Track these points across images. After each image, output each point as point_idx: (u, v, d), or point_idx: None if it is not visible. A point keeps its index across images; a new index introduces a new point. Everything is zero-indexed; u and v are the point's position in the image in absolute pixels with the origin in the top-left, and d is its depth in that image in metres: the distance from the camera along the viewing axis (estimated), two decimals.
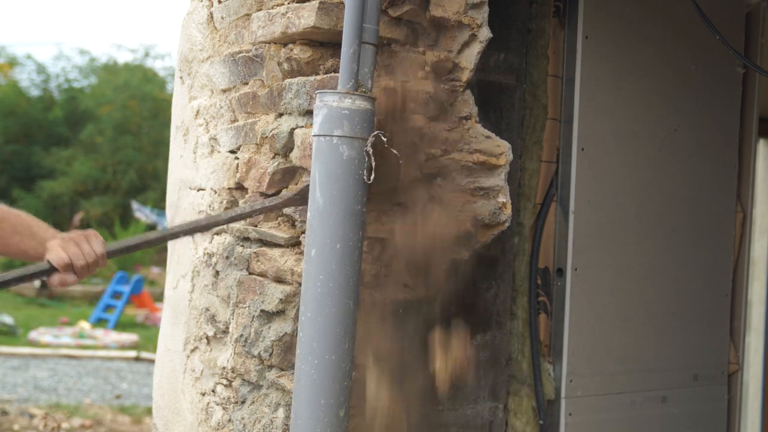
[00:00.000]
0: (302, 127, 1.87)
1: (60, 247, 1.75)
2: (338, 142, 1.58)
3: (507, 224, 1.82)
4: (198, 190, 2.30)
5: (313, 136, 1.61)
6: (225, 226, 2.13)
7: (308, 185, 1.82)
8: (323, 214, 1.58)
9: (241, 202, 2.08)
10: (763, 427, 3.95)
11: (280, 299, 1.85)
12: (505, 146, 1.80)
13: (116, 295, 13.41)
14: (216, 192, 2.19)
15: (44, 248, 1.80)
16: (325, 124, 1.59)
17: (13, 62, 23.11)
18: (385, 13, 1.77)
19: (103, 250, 1.80)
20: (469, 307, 2.09)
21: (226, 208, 2.14)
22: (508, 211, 1.80)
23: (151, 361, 9.35)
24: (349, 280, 1.59)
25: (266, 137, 1.94)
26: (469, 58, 1.81)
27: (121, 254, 1.88)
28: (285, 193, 1.90)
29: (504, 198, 1.80)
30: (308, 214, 1.61)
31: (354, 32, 1.61)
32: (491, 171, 1.80)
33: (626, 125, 2.32)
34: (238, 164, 2.08)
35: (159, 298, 13.28)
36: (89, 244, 1.78)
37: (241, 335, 1.94)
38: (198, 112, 2.34)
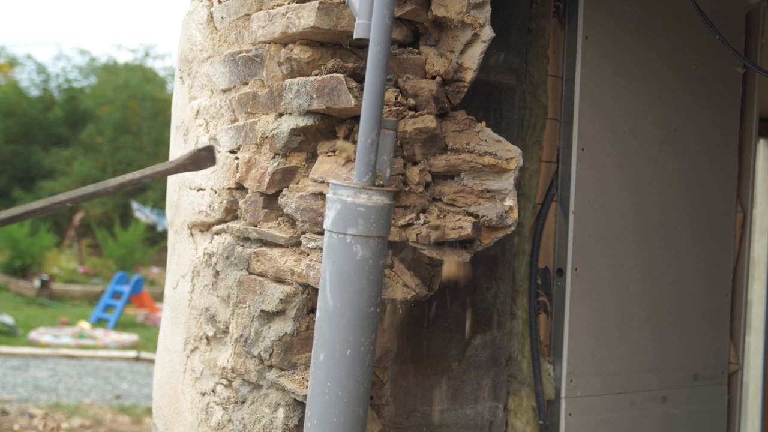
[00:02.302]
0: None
1: None
2: (352, 241, 1.46)
3: (512, 228, 1.82)
4: (198, 190, 2.30)
5: (326, 230, 1.51)
6: (225, 226, 2.14)
7: (200, 149, 1.82)
8: (333, 317, 1.47)
9: (241, 202, 2.08)
10: (763, 427, 3.95)
11: (280, 299, 1.85)
12: (515, 151, 1.80)
13: (116, 295, 13.43)
14: (216, 192, 2.19)
15: None
16: (339, 220, 1.47)
17: (13, 62, 23.14)
18: None
19: None
20: (469, 307, 2.09)
21: (227, 208, 2.14)
22: (515, 215, 1.81)
23: (151, 361, 9.36)
24: (359, 387, 1.47)
25: (266, 137, 1.94)
26: (473, 58, 1.81)
27: (2, 225, 1.87)
28: (177, 158, 1.87)
29: (511, 202, 1.80)
30: (317, 314, 1.51)
31: (373, 120, 1.48)
32: (500, 174, 1.80)
33: (626, 125, 2.32)
34: (238, 164, 2.08)
35: (159, 298, 13.30)
36: None
37: (241, 335, 1.94)
38: (198, 112, 2.34)
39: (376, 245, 1.47)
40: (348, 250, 1.46)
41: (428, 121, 1.75)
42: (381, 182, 1.55)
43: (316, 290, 1.83)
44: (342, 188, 1.48)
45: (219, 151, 2.20)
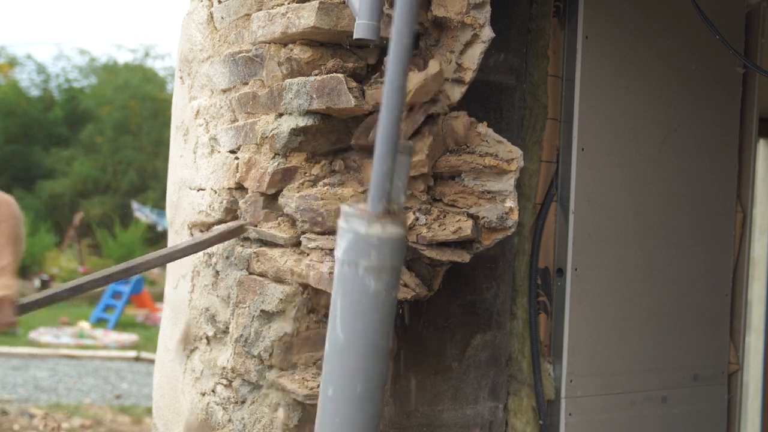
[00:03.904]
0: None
1: None
2: (364, 273, 1.40)
3: (512, 230, 1.82)
4: (198, 190, 2.30)
5: (337, 260, 1.46)
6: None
7: (236, 226, 1.80)
8: (343, 350, 1.42)
9: (241, 202, 2.08)
10: (763, 427, 3.95)
11: (280, 299, 1.85)
12: (516, 152, 1.79)
13: (116, 295, 13.42)
14: (216, 192, 2.19)
15: None
16: (351, 251, 1.42)
17: (13, 62, 23.14)
18: (385, 15, 1.77)
19: (12, 318, 1.86)
20: (469, 307, 2.09)
21: (227, 208, 2.14)
22: (515, 216, 1.80)
23: (151, 361, 9.35)
24: (369, 424, 1.43)
25: (266, 137, 1.94)
26: (472, 59, 1.81)
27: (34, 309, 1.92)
28: (215, 229, 1.82)
29: (511, 203, 1.80)
30: (326, 346, 1.46)
31: (389, 146, 1.42)
32: (500, 176, 1.80)
33: (626, 125, 2.32)
34: (238, 164, 2.08)
35: (159, 298, 13.30)
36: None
37: (241, 335, 1.94)
38: (198, 112, 2.34)
39: (389, 277, 1.42)
40: (361, 283, 1.41)
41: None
42: (395, 209, 1.49)
43: (316, 290, 1.83)
44: (354, 218, 1.43)
45: (219, 151, 2.20)
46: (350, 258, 1.42)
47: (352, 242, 1.42)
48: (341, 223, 1.46)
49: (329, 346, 1.45)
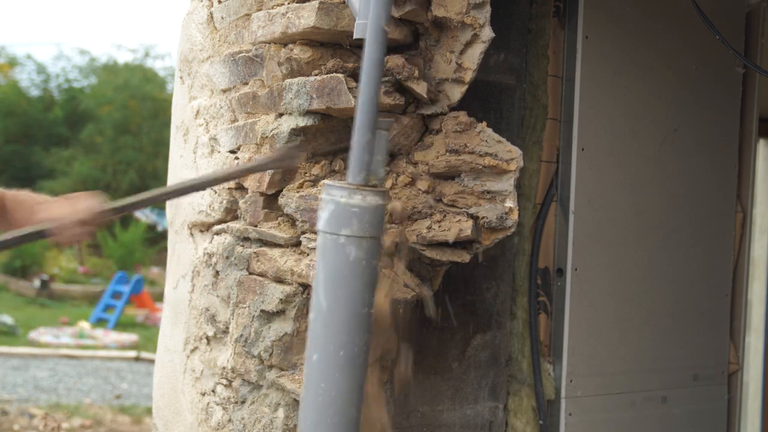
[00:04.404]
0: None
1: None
2: (345, 241, 1.44)
3: (512, 230, 1.82)
4: None
5: (319, 231, 1.49)
6: (225, 226, 2.14)
7: (289, 147, 1.81)
8: (326, 318, 1.47)
9: (241, 202, 2.08)
10: (763, 427, 3.95)
11: (280, 299, 1.85)
12: (516, 152, 1.79)
13: (116, 295, 13.42)
14: (216, 192, 2.19)
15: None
16: (332, 221, 1.45)
17: (13, 62, 23.15)
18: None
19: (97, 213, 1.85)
20: (469, 307, 2.09)
21: (227, 209, 2.14)
22: (515, 216, 1.80)
23: (151, 361, 9.36)
24: (352, 388, 1.47)
25: (266, 137, 1.94)
26: (472, 59, 1.81)
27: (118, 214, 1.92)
28: (262, 157, 1.82)
29: (511, 203, 1.80)
30: (311, 314, 1.51)
31: (368, 120, 1.47)
32: (500, 176, 1.80)
33: (626, 125, 2.32)
34: (238, 164, 2.08)
35: (159, 298, 13.30)
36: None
37: (241, 335, 1.94)
38: (198, 112, 2.34)
39: (369, 246, 1.46)
40: (341, 251, 1.45)
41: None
42: (375, 182, 1.55)
43: None
44: (335, 189, 1.47)
45: (219, 151, 2.20)
46: (332, 228, 1.45)
47: (334, 212, 1.45)
48: (323, 195, 1.48)
49: (313, 314, 1.49)
